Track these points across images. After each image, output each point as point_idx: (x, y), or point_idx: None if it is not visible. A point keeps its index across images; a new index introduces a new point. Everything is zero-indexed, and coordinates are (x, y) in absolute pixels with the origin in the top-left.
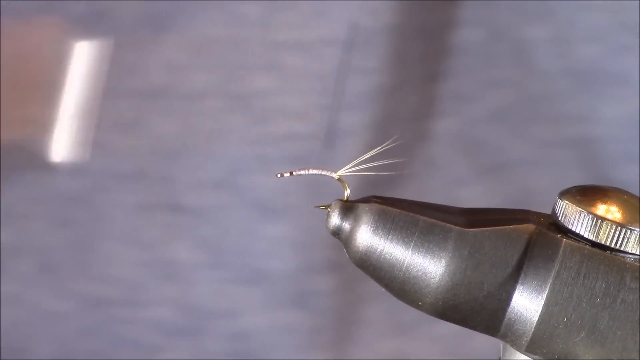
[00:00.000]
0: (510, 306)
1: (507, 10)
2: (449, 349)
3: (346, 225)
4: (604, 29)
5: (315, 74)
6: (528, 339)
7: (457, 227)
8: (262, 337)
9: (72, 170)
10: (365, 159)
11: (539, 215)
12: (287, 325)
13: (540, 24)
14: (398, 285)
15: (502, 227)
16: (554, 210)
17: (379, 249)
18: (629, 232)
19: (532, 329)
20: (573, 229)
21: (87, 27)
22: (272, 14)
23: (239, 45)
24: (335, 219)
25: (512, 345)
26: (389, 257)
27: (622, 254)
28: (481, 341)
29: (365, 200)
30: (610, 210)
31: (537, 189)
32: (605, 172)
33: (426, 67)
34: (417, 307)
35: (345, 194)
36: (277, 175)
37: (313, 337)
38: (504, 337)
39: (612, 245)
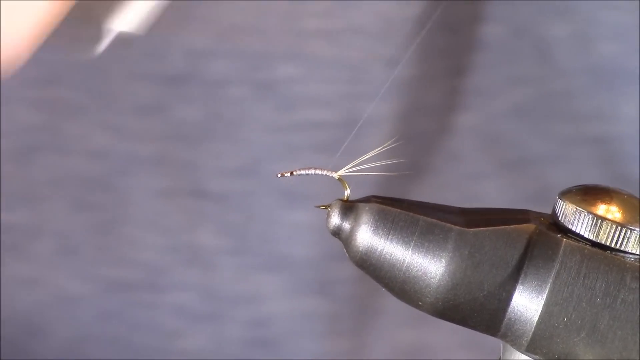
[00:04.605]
0: (511, 306)
1: (529, 7)
2: (467, 340)
3: (346, 225)
4: (624, 27)
5: (341, 63)
6: (528, 338)
7: (457, 226)
8: (283, 323)
9: (95, 153)
10: (366, 158)
11: (539, 215)
12: (307, 312)
13: (561, 22)
14: (398, 285)
15: (503, 227)
16: (554, 210)
17: (379, 249)
18: (629, 232)
19: (532, 329)
20: (573, 228)
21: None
22: (299, 2)
23: (266, 33)
24: (335, 219)
25: (512, 345)
26: (389, 257)
27: (622, 254)
28: None
29: (366, 200)
30: (610, 210)
31: (556, 185)
32: (624, 169)
33: (449, 61)
34: (418, 306)
35: (346, 194)
36: (277, 175)
37: (333, 324)
38: (504, 337)
39: (612, 245)
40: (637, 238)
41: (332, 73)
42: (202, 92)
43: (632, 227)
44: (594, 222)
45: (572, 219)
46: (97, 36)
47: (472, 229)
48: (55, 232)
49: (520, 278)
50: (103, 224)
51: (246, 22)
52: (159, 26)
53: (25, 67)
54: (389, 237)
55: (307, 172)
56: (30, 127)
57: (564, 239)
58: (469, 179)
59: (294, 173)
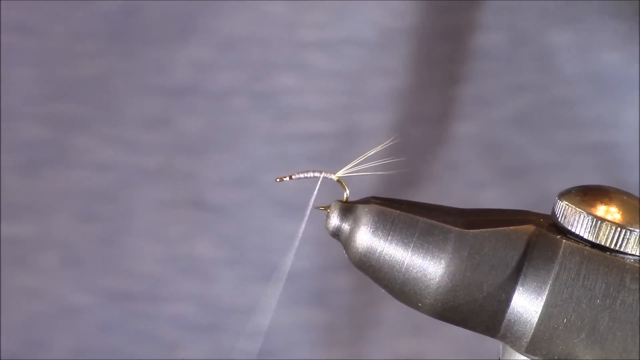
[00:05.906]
0: (510, 307)
1: (530, 15)
2: (465, 349)
3: (345, 227)
4: (625, 35)
5: (339, 74)
6: (528, 340)
7: (456, 228)
8: (280, 334)
9: (99, 166)
10: (364, 159)
11: (539, 216)
12: (304, 323)
13: (563, 30)
14: (398, 287)
15: (502, 228)
16: (553, 211)
17: (378, 250)
18: (628, 233)
19: (532, 330)
20: (573, 230)
21: (116, 25)
22: (297, 14)
23: (264, 44)
24: (334, 220)
25: (511, 347)
26: (388, 258)
27: (622, 255)
28: (497, 342)
29: (365, 201)
30: (610, 211)
31: (557, 193)
32: (624, 176)
33: (448, 69)
34: (417, 308)
35: (345, 195)
36: (275, 180)
37: (330, 335)
38: (503, 338)
39: (612, 246)
40: (637, 239)
41: (329, 84)
42: (203, 103)
43: (632, 228)
44: (594, 223)
45: (571, 220)
46: None
47: (471, 230)
48: (59, 244)
49: (520, 279)
50: (106, 236)
51: (246, 33)
52: (162, 38)
53: (30, 81)
54: (389, 238)
55: (305, 175)
56: (35, 140)
57: (564, 240)
58: (470, 188)
59: (293, 177)
